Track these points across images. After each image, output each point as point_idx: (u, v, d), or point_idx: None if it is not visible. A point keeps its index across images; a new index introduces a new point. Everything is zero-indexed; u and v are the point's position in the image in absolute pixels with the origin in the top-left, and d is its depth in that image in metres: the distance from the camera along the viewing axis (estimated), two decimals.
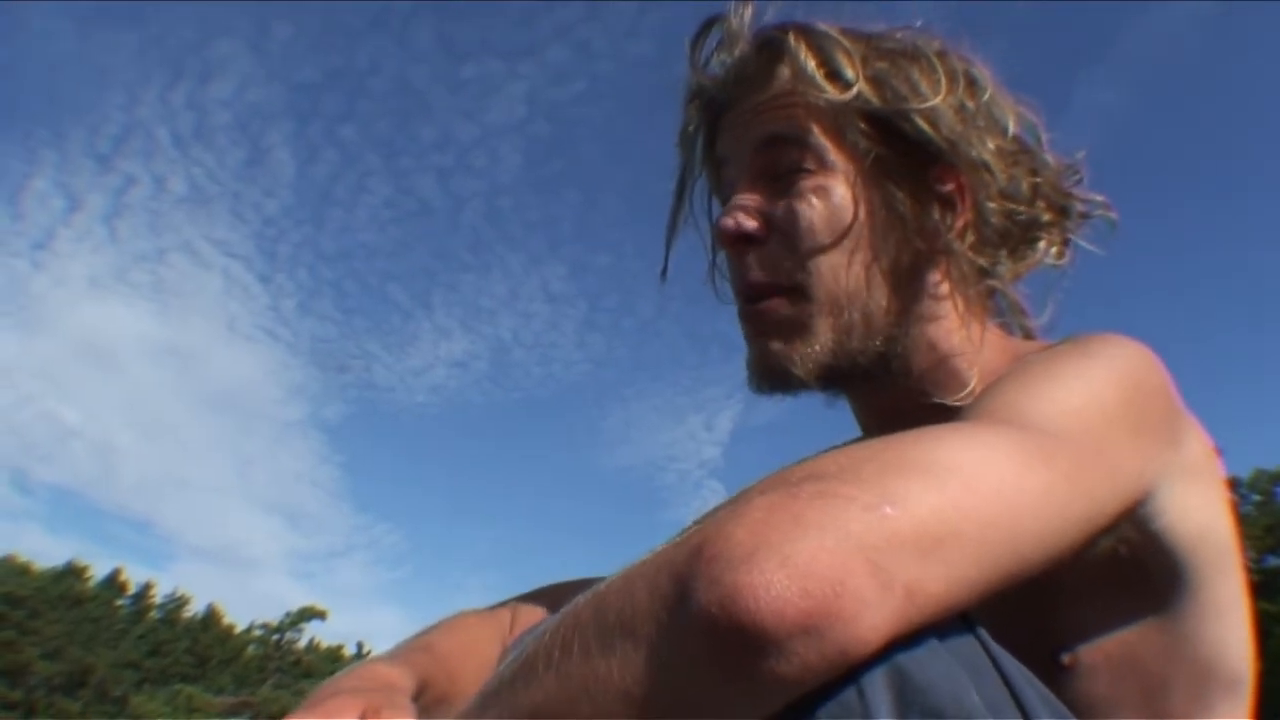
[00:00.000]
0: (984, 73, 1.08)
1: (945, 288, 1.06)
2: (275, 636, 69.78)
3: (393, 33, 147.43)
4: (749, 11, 1.09)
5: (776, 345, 1.02)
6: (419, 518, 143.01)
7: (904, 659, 0.60)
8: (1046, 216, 1.08)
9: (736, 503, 0.64)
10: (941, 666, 0.61)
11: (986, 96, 1.06)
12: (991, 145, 1.04)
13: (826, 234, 1.01)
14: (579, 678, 0.62)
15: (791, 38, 1.03)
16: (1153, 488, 0.86)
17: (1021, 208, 1.06)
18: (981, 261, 1.05)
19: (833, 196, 1.02)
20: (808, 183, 1.02)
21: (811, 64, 1.01)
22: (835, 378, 1.03)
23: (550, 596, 1.23)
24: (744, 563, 0.57)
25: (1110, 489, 0.78)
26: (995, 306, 1.12)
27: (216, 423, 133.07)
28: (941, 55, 1.05)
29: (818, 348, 1.01)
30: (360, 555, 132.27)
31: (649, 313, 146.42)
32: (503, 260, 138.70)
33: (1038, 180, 1.08)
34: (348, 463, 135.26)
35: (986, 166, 1.03)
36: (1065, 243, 1.11)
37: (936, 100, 1.01)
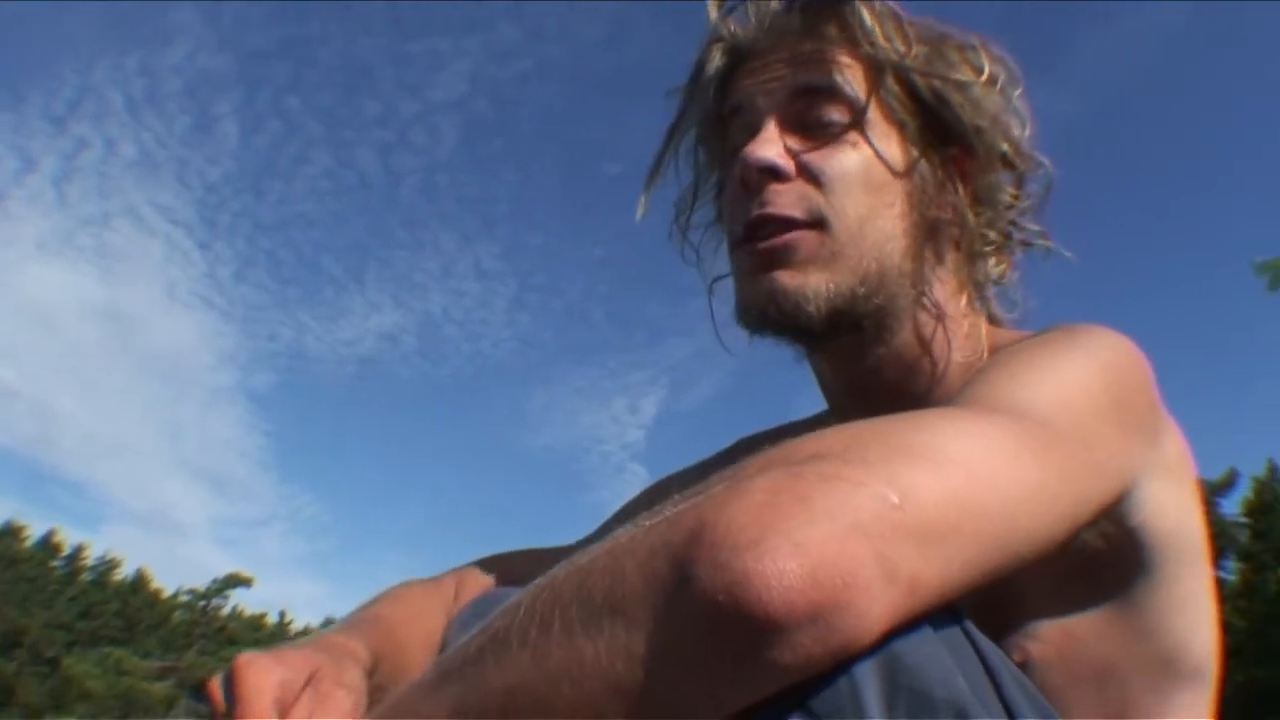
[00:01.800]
0: (1017, 73, 1.12)
1: (951, 260, 1.10)
2: (202, 603, 72.03)
3: (344, 4, 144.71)
4: None
5: (789, 278, 1.01)
6: (343, 490, 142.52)
7: (899, 646, 0.60)
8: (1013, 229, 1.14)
9: (735, 481, 0.62)
10: (930, 651, 0.61)
11: (1017, 94, 1.11)
12: (1008, 144, 1.10)
13: (857, 183, 1.03)
14: (559, 658, 0.59)
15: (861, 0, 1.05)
16: (1132, 484, 0.86)
17: (1011, 212, 1.13)
18: (990, 242, 1.12)
19: (864, 151, 1.04)
20: (844, 136, 1.05)
21: (872, 23, 1.05)
22: (839, 324, 1.03)
23: (494, 566, 1.22)
24: (751, 548, 0.55)
25: (1096, 484, 0.79)
26: (978, 295, 1.14)
27: (151, 387, 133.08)
28: (980, 47, 1.11)
29: (833, 286, 1.01)
30: (283, 525, 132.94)
31: (577, 294, 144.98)
32: (436, 237, 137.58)
33: (1019, 195, 1.15)
34: (275, 431, 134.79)
35: (1005, 159, 1.10)
36: (1010, 263, 1.16)
37: (974, 82, 1.06)
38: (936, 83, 1.07)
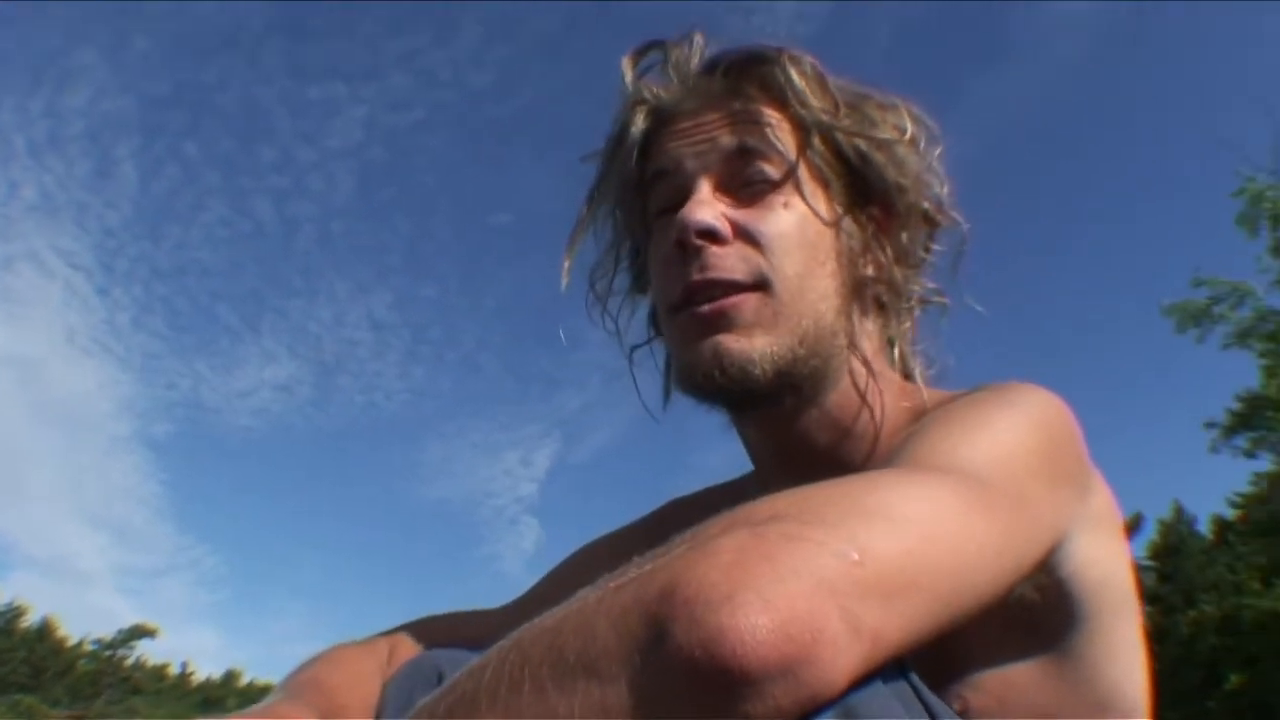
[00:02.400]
0: (936, 132, 1.13)
1: (875, 318, 1.12)
2: (109, 652, 70.96)
3: (244, 50, 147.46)
4: (700, 39, 1.13)
5: (734, 341, 1.00)
6: (240, 541, 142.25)
7: (854, 700, 0.61)
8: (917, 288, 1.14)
9: (698, 542, 0.63)
10: (884, 705, 0.63)
11: (937, 153, 1.13)
12: (928, 202, 1.12)
13: (794, 243, 1.03)
14: (531, 717, 0.59)
15: (785, 58, 1.07)
16: (1064, 536, 0.88)
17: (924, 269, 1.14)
18: (911, 299, 1.13)
19: (799, 210, 1.04)
20: (776, 196, 1.04)
21: (799, 83, 1.05)
22: (782, 386, 1.02)
23: (425, 629, 1.21)
24: (725, 604, 0.57)
25: (1034, 539, 0.81)
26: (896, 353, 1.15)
27: (51, 434, 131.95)
28: (901, 106, 1.12)
29: (777, 348, 1.00)
30: (183, 575, 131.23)
31: (471, 346, 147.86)
32: (331, 286, 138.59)
33: (930, 250, 1.15)
34: (172, 481, 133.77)
35: (926, 216, 1.12)
36: (913, 320, 1.16)
37: (897, 142, 1.08)
38: (860, 142, 1.08)
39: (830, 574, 0.61)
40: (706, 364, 1.01)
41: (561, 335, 1.32)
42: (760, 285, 1.02)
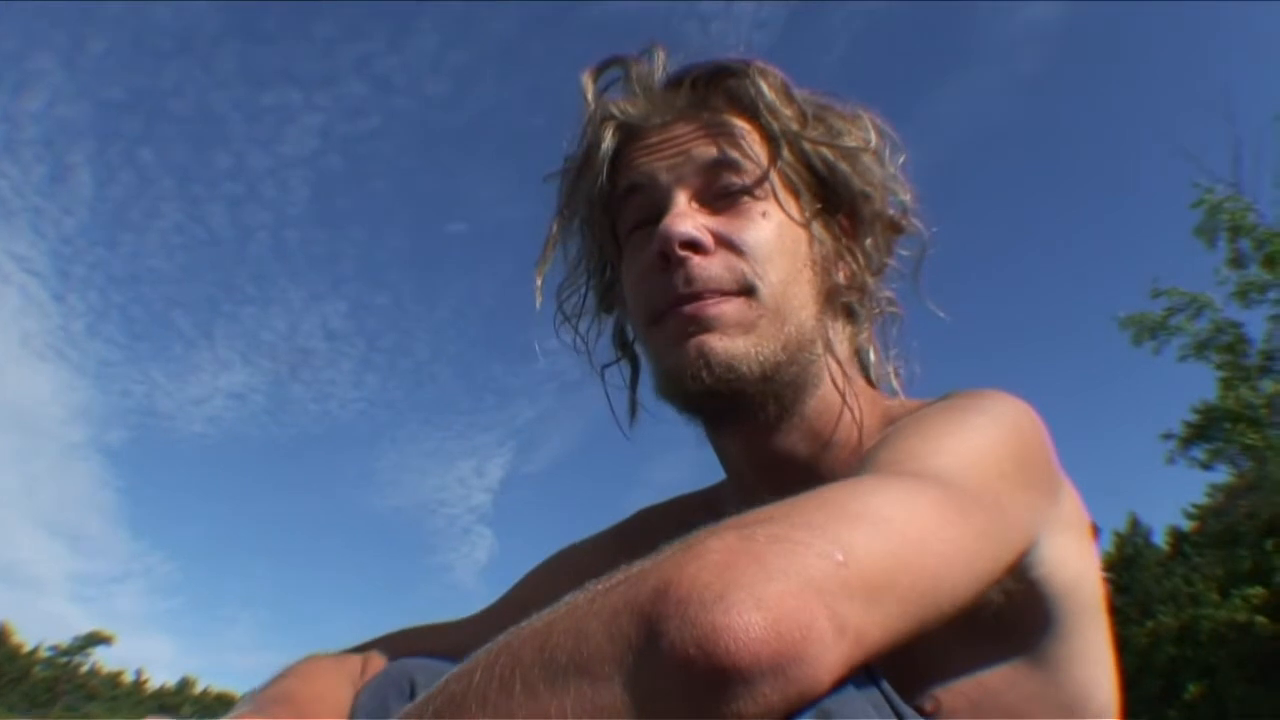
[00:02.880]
0: (899, 141, 1.15)
1: (844, 325, 1.13)
2: (65, 659, 70.72)
3: (199, 55, 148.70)
4: (661, 53, 1.14)
5: (721, 342, 1.00)
6: (194, 548, 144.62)
7: (830, 704, 0.62)
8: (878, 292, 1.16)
9: (689, 546, 0.64)
10: (859, 709, 0.65)
11: (900, 161, 1.15)
12: (893, 209, 1.14)
13: (776, 250, 1.04)
14: (524, 719, 0.59)
15: (752, 70, 1.08)
16: (1035, 539, 0.89)
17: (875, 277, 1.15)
18: (880, 304, 1.15)
19: (776, 218, 1.05)
20: (754, 205, 1.05)
21: (769, 94, 1.07)
22: (766, 393, 1.03)
23: (397, 643, 1.20)
24: (717, 603, 0.58)
25: (1007, 542, 0.82)
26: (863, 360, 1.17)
27: (4, 439, 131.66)
28: (864, 115, 1.13)
29: (765, 351, 1.01)
30: (137, 582, 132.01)
31: (425, 355, 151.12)
32: (285, 294, 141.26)
33: (890, 256, 1.16)
34: (127, 488, 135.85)
35: (891, 223, 1.14)
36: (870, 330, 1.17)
37: (862, 151, 1.10)
38: (827, 152, 1.09)
39: (816, 574, 0.63)
40: (693, 364, 1.00)
41: (537, 349, 1.30)
42: (746, 290, 1.02)
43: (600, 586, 0.65)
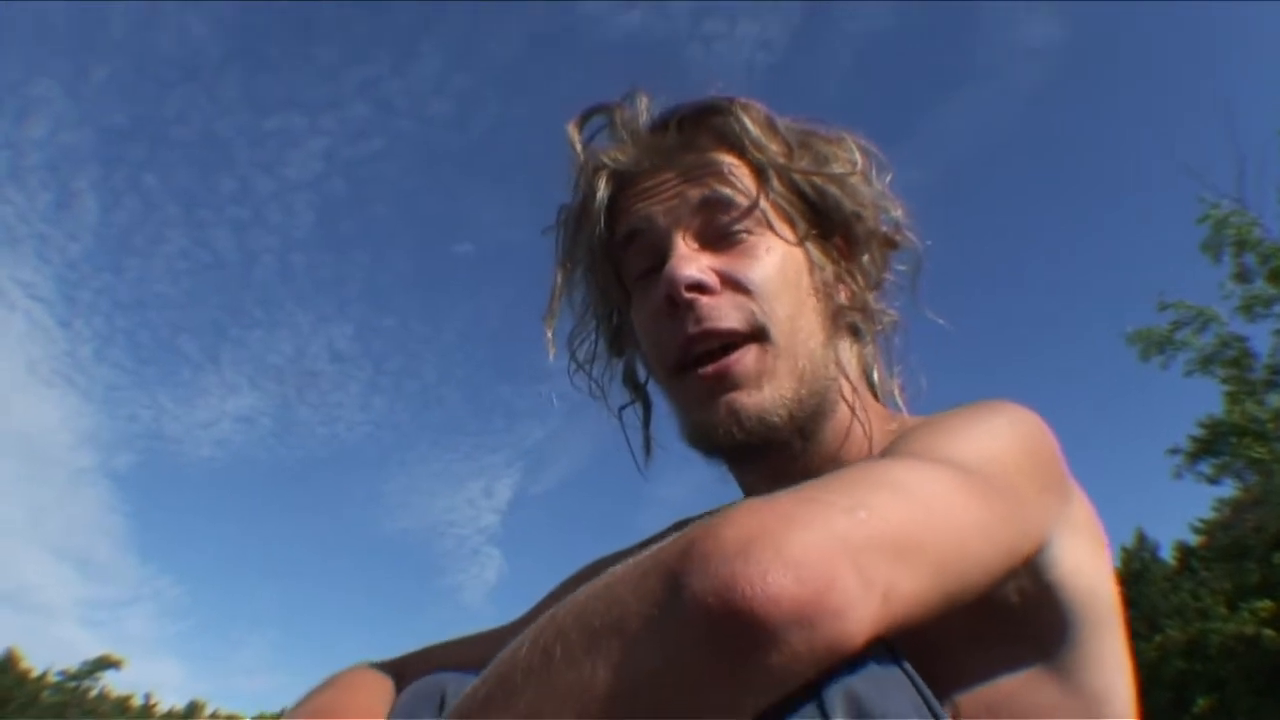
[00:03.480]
0: (884, 159, 1.16)
1: (851, 345, 1.14)
2: (74, 683, 70.26)
3: (202, 81, 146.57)
4: (644, 98, 1.16)
5: (750, 398, 1.01)
6: (203, 572, 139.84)
7: (855, 681, 0.64)
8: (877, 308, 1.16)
9: (718, 512, 0.66)
10: (885, 691, 0.65)
11: (888, 179, 1.16)
12: (886, 226, 1.16)
13: (780, 284, 1.05)
14: (562, 685, 0.61)
15: (736, 106, 1.09)
16: (1049, 539, 0.90)
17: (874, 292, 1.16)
18: (883, 320, 1.16)
19: (777, 252, 1.07)
20: (752, 241, 1.06)
21: (754, 129, 1.08)
22: (794, 430, 1.04)
23: (437, 654, 1.22)
24: (739, 555, 0.60)
25: (1024, 531, 0.84)
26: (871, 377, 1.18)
27: (12, 465, 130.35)
28: (848, 138, 1.15)
29: (784, 395, 1.02)
30: (145, 606, 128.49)
31: (432, 377, 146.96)
32: (291, 317, 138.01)
33: (886, 270, 1.18)
34: (135, 512, 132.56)
35: (886, 240, 1.16)
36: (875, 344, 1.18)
37: (850, 174, 1.11)
38: (816, 179, 1.10)
39: (841, 530, 0.65)
40: (724, 423, 1.03)
41: (554, 401, 1.32)
42: (757, 334, 1.04)
43: (635, 558, 0.68)
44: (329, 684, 1.12)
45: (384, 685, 1.13)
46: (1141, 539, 33.70)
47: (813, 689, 0.64)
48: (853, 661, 0.65)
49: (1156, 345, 16.84)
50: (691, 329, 1.03)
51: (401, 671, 1.16)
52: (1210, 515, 28.64)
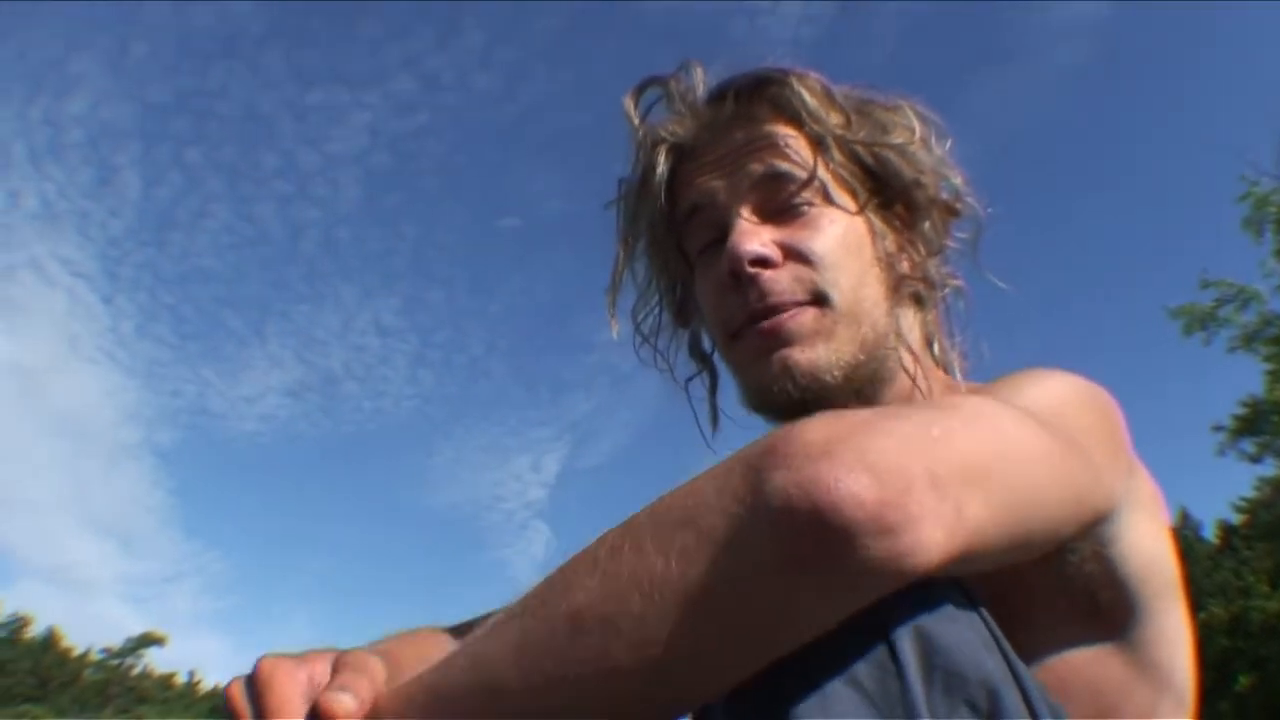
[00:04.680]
0: (943, 126, 1.16)
1: (914, 313, 1.14)
2: (116, 661, 70.92)
3: (245, 56, 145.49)
4: (699, 69, 1.15)
5: (803, 354, 1.02)
6: (247, 547, 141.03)
7: (926, 620, 0.65)
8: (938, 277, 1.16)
9: (796, 419, 0.67)
10: (958, 631, 0.65)
11: (947, 145, 1.15)
12: (946, 193, 1.15)
13: (843, 256, 1.06)
14: (628, 573, 0.61)
15: (792, 78, 1.09)
16: (1117, 509, 0.90)
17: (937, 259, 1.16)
18: (944, 287, 1.16)
19: (838, 223, 1.07)
20: (813, 212, 1.07)
21: (811, 100, 1.08)
22: (849, 391, 1.05)
23: None
24: (824, 454, 0.61)
25: (1093, 486, 0.84)
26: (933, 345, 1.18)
27: (55, 443, 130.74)
28: (906, 106, 1.15)
29: (845, 355, 1.03)
30: (189, 582, 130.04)
31: (479, 351, 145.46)
32: (337, 291, 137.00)
33: (947, 237, 1.17)
34: (179, 488, 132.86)
35: (946, 207, 1.15)
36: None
37: (909, 142, 1.11)
38: (875, 147, 1.10)
39: (917, 441, 0.67)
40: (778, 379, 1.03)
41: (613, 329, 1.25)
42: (819, 299, 1.04)
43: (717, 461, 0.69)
44: (392, 635, 1.10)
45: (445, 641, 1.11)
46: (1184, 517, 33.85)
47: (882, 627, 0.64)
48: (928, 601, 0.66)
49: (1199, 322, 16.73)
50: (755, 303, 1.04)
51: (464, 634, 1.13)
52: (1252, 494, 28.55)
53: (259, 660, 0.79)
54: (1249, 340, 16.55)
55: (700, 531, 0.62)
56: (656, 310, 1.26)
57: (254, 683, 0.77)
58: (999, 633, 0.71)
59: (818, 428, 0.65)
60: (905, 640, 0.64)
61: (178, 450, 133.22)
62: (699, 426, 1.26)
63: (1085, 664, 0.94)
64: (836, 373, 1.03)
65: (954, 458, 0.67)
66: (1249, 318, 16.52)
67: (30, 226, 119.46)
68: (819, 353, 1.03)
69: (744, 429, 1.18)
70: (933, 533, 0.63)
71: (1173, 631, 0.98)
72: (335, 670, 0.79)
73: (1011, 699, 0.65)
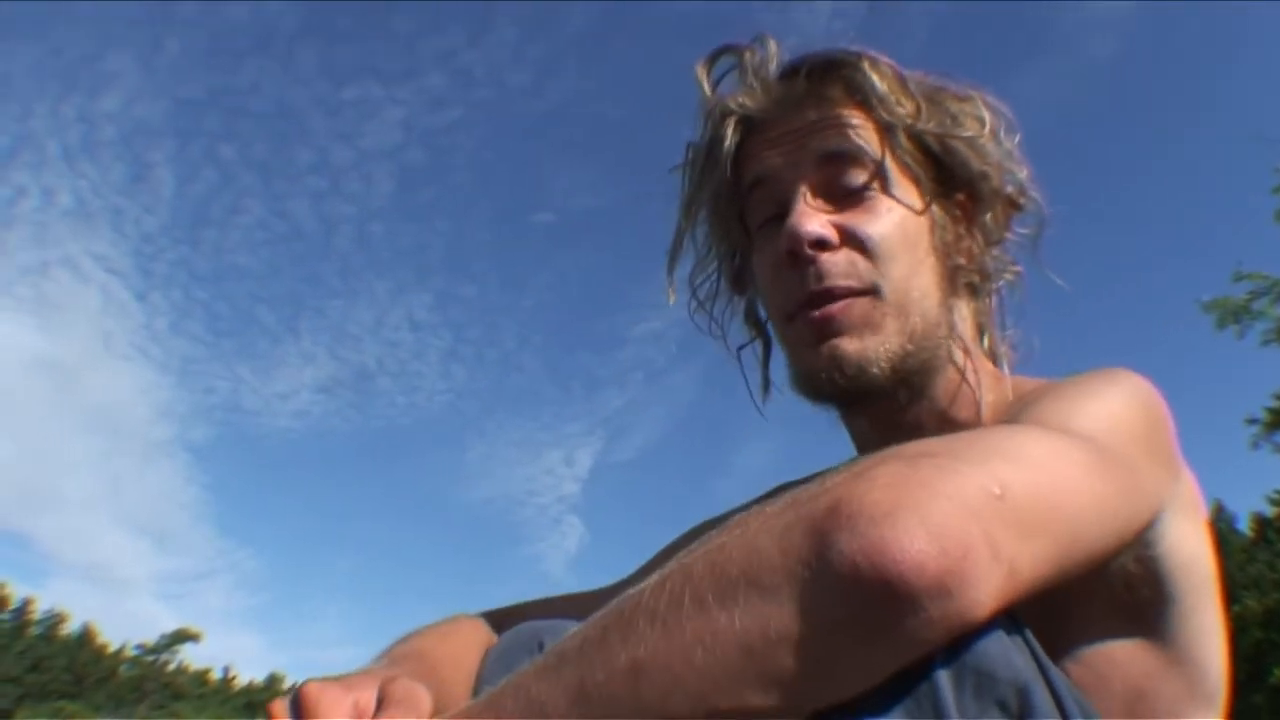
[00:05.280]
0: (1013, 119, 1.15)
1: (968, 304, 1.15)
2: (151, 658, 71.54)
3: (278, 53, 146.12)
4: (773, 43, 1.15)
5: (852, 344, 1.03)
6: (280, 543, 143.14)
7: (970, 655, 0.65)
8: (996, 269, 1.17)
9: (857, 471, 0.67)
10: (989, 630, 0.66)
11: (1016, 140, 1.15)
12: (1011, 186, 1.14)
13: (898, 244, 1.06)
14: (692, 629, 0.61)
15: (865, 62, 1.08)
16: (1161, 511, 0.90)
17: (998, 253, 1.16)
18: (999, 281, 1.17)
19: (897, 212, 1.07)
20: (874, 198, 1.07)
21: (882, 85, 1.07)
22: (896, 383, 1.06)
23: (535, 609, 1.22)
24: (887, 519, 0.61)
25: (1140, 505, 0.85)
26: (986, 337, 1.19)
27: (89, 440, 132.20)
28: (978, 97, 1.14)
29: (893, 347, 1.04)
30: (223, 579, 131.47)
31: (512, 346, 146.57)
32: (370, 287, 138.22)
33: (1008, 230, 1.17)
34: (212, 484, 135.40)
35: (1010, 200, 1.15)
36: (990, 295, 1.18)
37: (979, 133, 1.10)
38: (944, 137, 1.10)
39: (975, 502, 0.66)
40: (826, 368, 1.04)
41: (670, 294, 1.26)
42: (871, 290, 1.04)
43: (771, 509, 0.68)
44: (423, 630, 1.11)
45: (480, 633, 1.12)
46: (1219, 510, 33.56)
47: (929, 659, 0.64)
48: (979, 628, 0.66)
49: (1232, 315, 16.51)
50: (813, 285, 1.05)
51: (500, 623, 1.15)
52: None
53: (303, 685, 0.79)
54: None
55: (764, 590, 0.62)
56: (714, 277, 1.26)
57: (298, 707, 0.77)
58: (1028, 632, 0.72)
59: (881, 487, 0.65)
60: (949, 672, 0.65)
61: (211, 447, 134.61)
62: (750, 393, 1.27)
63: (1121, 658, 0.95)
64: (884, 364, 1.04)
65: (1010, 515, 0.68)
66: None
67: (64, 224, 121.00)
68: (869, 343, 1.04)
69: (793, 401, 1.17)
70: (987, 593, 0.64)
71: (1208, 628, 0.98)
72: (382, 702, 0.79)
73: (1041, 697, 0.66)
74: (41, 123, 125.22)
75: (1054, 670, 0.70)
